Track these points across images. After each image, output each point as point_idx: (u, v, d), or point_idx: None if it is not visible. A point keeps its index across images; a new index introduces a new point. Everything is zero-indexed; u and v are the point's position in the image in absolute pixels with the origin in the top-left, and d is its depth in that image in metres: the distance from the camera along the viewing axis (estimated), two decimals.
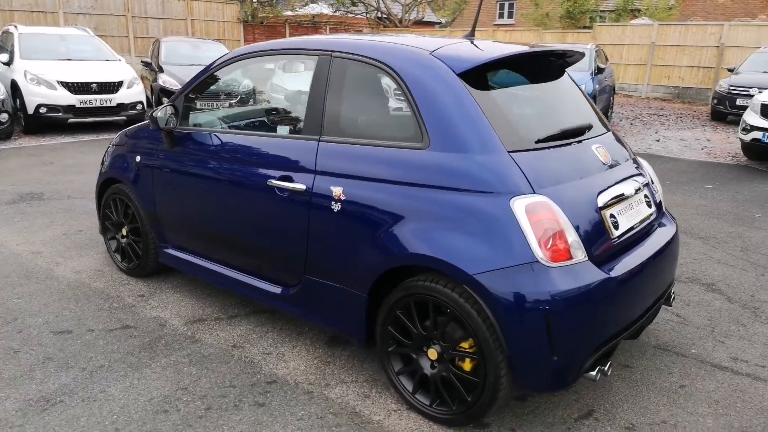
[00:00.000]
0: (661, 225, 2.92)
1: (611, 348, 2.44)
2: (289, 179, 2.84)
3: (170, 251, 3.68)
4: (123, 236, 4.00)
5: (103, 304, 3.58)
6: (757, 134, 7.96)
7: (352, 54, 2.76)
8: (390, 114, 2.80)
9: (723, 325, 3.47)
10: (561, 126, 2.66)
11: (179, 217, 3.50)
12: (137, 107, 9.99)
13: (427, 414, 2.54)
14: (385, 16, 26.89)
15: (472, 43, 2.80)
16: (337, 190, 2.66)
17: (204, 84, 3.45)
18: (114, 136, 4.20)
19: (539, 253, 2.21)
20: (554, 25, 21.70)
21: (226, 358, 3.02)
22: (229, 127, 3.66)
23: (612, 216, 2.51)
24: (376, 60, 2.67)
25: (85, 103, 9.40)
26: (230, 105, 4.19)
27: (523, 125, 2.55)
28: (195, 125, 3.49)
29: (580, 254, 2.28)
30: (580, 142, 2.67)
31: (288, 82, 5.39)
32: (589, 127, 2.80)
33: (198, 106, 3.64)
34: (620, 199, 2.60)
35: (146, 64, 12.29)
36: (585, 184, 2.48)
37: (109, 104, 9.63)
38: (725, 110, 12.59)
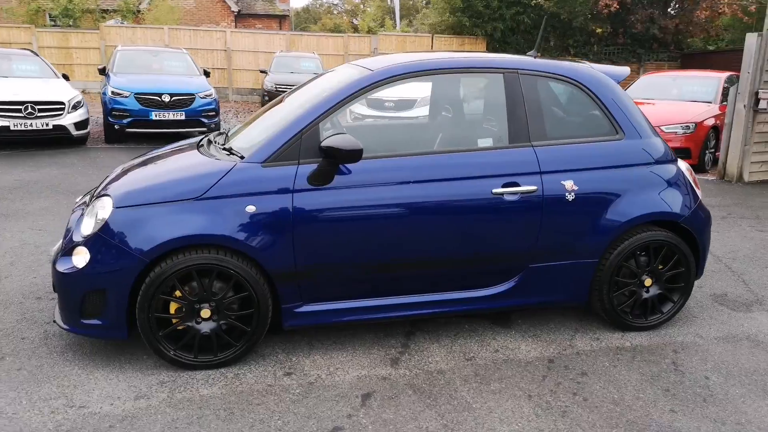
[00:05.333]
0: None
1: None
2: (515, 184, 3.17)
3: (307, 308, 3.09)
4: (203, 320, 2.94)
5: (285, 397, 2.77)
6: None
7: (541, 72, 3.32)
8: (581, 116, 3.47)
9: None
10: None
11: (345, 260, 3.03)
12: None
13: (643, 327, 3.54)
14: None
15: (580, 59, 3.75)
16: (569, 183, 3.25)
17: (342, 107, 3.07)
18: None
19: (699, 193, 3.59)
20: (40, 21, 19.57)
21: (486, 366, 3.12)
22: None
23: None
24: (566, 77, 3.36)
25: None
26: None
27: None
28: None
29: None
30: None
31: None
32: None
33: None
34: None
35: None
36: None
37: None
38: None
